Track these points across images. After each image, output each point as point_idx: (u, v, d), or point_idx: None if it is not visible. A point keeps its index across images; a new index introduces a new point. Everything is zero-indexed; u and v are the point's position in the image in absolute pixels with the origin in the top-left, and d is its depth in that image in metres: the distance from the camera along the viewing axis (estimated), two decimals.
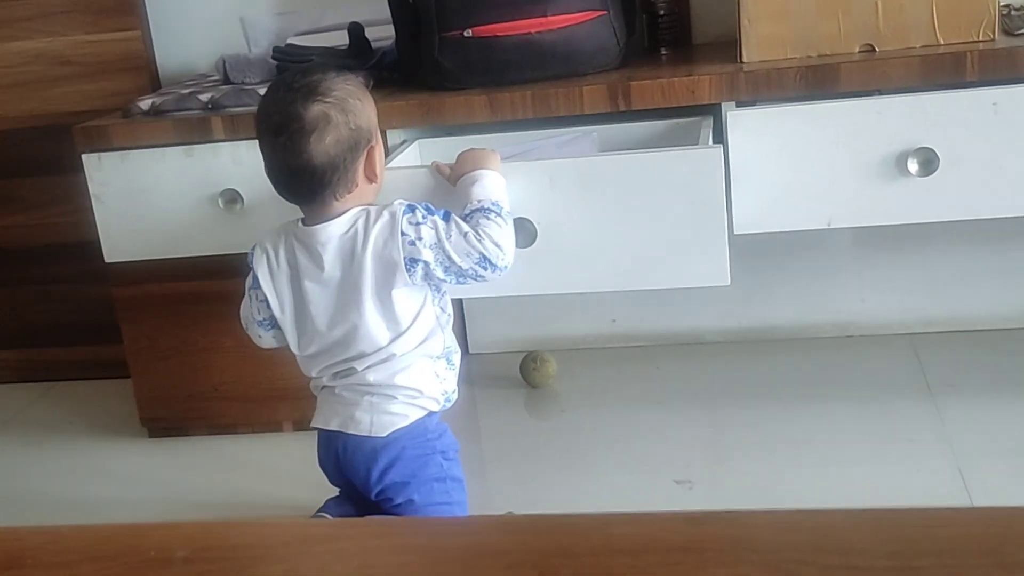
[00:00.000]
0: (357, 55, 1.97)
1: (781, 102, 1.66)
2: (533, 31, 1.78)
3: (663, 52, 2.01)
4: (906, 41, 1.68)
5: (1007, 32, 1.71)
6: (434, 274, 1.48)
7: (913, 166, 1.61)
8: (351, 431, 1.52)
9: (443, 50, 1.82)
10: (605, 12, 1.82)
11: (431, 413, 1.55)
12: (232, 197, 1.87)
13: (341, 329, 1.51)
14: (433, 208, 1.50)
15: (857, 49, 1.70)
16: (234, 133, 1.84)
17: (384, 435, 1.51)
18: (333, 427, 1.54)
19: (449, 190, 1.58)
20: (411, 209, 1.48)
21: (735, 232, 1.67)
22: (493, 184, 1.54)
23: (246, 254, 1.59)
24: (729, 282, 1.60)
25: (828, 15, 1.69)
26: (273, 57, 2.00)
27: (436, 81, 1.85)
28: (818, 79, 1.65)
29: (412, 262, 1.46)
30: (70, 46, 2.25)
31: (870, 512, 0.59)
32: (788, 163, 1.64)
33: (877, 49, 1.69)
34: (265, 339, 1.62)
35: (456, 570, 0.59)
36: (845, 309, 2.20)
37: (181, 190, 1.88)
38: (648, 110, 1.73)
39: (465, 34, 1.80)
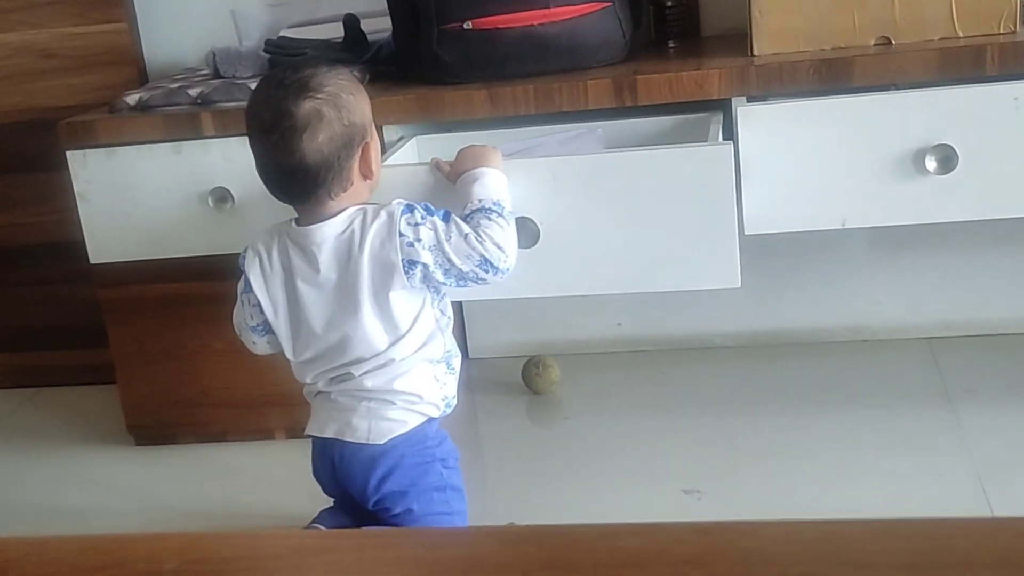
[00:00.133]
0: (353, 48, 1.97)
1: (794, 97, 1.65)
2: (535, 23, 1.77)
3: (671, 45, 2.01)
4: (924, 34, 1.67)
5: None
6: (433, 277, 1.46)
7: (931, 164, 1.59)
8: (348, 438, 1.51)
9: (442, 43, 1.81)
10: (610, 3, 1.82)
11: (431, 419, 1.54)
12: (222, 196, 1.86)
13: (337, 333, 1.49)
14: (433, 208, 1.49)
15: (873, 42, 1.69)
16: (224, 129, 1.83)
17: (382, 442, 1.50)
18: (329, 434, 1.53)
19: (448, 188, 1.57)
20: (410, 209, 1.47)
21: (746, 232, 1.65)
22: (494, 182, 1.52)
23: (237, 255, 1.58)
24: (739, 284, 1.58)
25: (843, 7, 1.68)
26: (265, 50, 2.01)
27: (435, 75, 1.84)
28: (832, 73, 1.64)
29: (410, 264, 1.45)
30: (55, 38, 2.24)
31: (886, 523, 0.58)
32: (801, 161, 1.63)
33: (893, 42, 1.68)
34: (260, 345, 1.61)
35: None
36: (860, 312, 2.18)
37: (169, 188, 1.87)
38: (655, 105, 1.72)
39: (465, 26, 1.79)
